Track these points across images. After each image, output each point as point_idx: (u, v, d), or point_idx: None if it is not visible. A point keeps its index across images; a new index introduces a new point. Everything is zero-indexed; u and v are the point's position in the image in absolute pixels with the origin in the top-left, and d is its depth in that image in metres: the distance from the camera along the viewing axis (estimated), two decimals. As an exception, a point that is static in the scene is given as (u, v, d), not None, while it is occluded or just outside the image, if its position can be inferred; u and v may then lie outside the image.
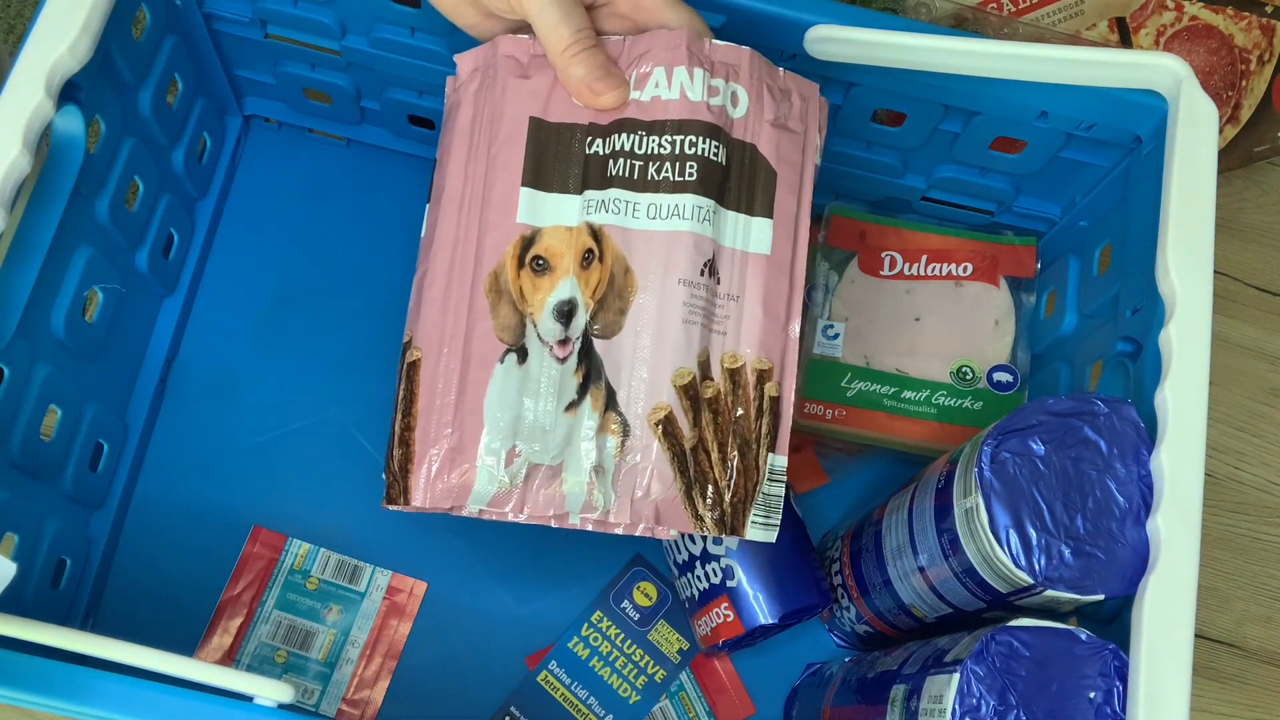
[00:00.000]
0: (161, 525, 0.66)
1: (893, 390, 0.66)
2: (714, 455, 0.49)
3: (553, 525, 0.49)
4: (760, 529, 0.50)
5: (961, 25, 0.72)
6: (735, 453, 0.50)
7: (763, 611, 0.60)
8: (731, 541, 0.60)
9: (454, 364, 0.50)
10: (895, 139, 0.64)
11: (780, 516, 0.51)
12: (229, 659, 0.64)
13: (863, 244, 0.69)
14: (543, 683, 0.65)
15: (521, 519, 0.49)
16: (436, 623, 0.66)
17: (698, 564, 0.61)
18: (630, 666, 0.66)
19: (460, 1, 0.51)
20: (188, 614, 0.65)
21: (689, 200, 0.49)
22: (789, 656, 0.67)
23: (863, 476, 0.71)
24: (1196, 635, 0.70)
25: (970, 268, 0.68)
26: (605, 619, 0.66)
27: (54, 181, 0.54)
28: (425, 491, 0.49)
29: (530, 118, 0.51)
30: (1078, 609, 0.50)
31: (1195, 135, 0.52)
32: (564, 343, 0.49)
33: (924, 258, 0.69)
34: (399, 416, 0.50)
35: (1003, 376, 0.66)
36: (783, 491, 0.51)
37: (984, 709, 0.45)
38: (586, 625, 0.66)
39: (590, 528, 0.49)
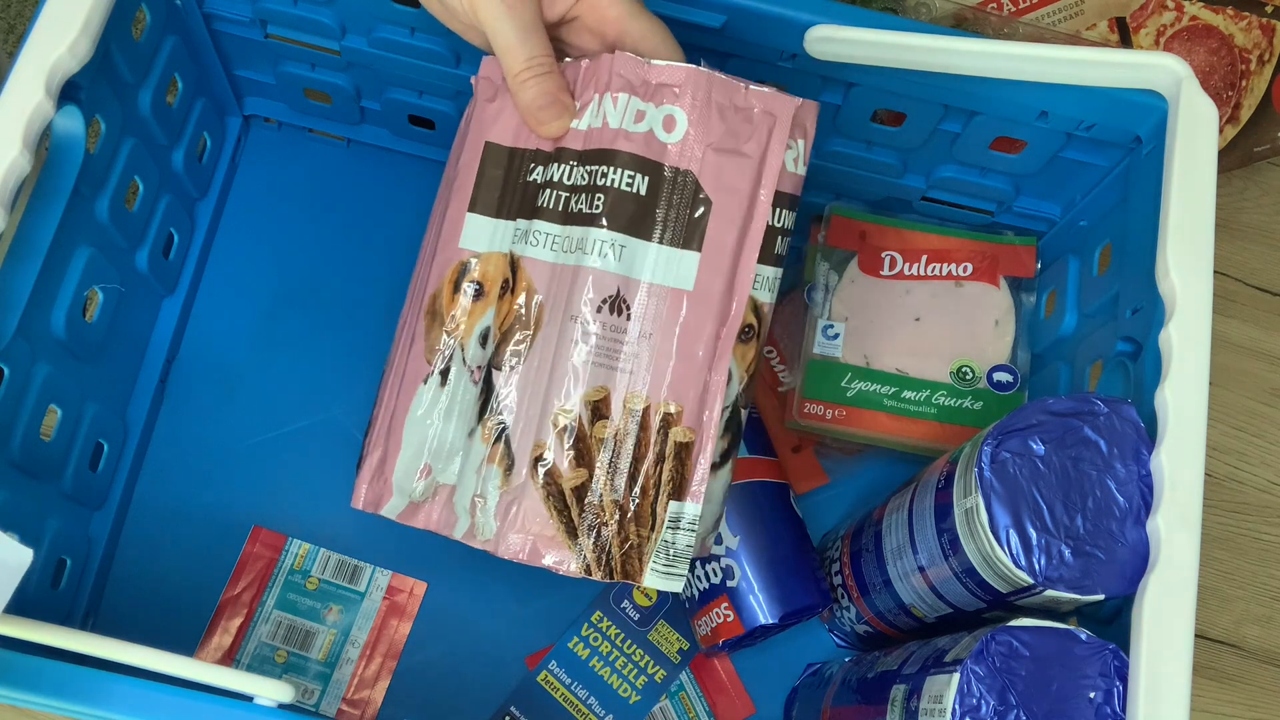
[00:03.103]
0: (161, 525, 0.66)
1: (893, 390, 0.66)
2: (606, 498, 0.47)
3: (460, 541, 0.50)
4: (660, 577, 0.48)
5: (961, 25, 0.72)
6: (631, 497, 0.48)
7: (763, 611, 0.60)
8: (732, 541, 0.60)
9: (397, 380, 0.52)
10: (895, 139, 0.64)
11: (687, 566, 0.49)
12: (229, 659, 0.64)
13: (863, 244, 0.69)
14: (543, 683, 0.65)
15: (430, 530, 0.51)
16: (436, 623, 0.66)
17: (698, 564, 0.61)
18: (630, 666, 0.66)
19: (444, 11, 0.51)
20: (188, 614, 0.65)
21: (594, 235, 0.48)
22: (789, 656, 0.67)
23: (863, 476, 0.71)
24: (1196, 635, 0.70)
25: (970, 268, 0.68)
26: (605, 619, 0.66)
27: (54, 181, 0.54)
28: (361, 495, 0.52)
29: (486, 142, 0.51)
30: (1078, 609, 0.50)
31: (1195, 135, 0.52)
32: (481, 368, 0.50)
33: (924, 258, 0.69)
34: (368, 423, 0.54)
35: (1003, 376, 0.66)
36: (692, 541, 0.48)
37: (984, 709, 0.45)
38: (586, 625, 0.66)
39: (484, 550, 0.50)
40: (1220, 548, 0.73)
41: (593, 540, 0.48)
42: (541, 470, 0.48)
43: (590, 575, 0.47)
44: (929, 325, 0.67)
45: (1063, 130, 0.60)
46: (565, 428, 0.48)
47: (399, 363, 0.52)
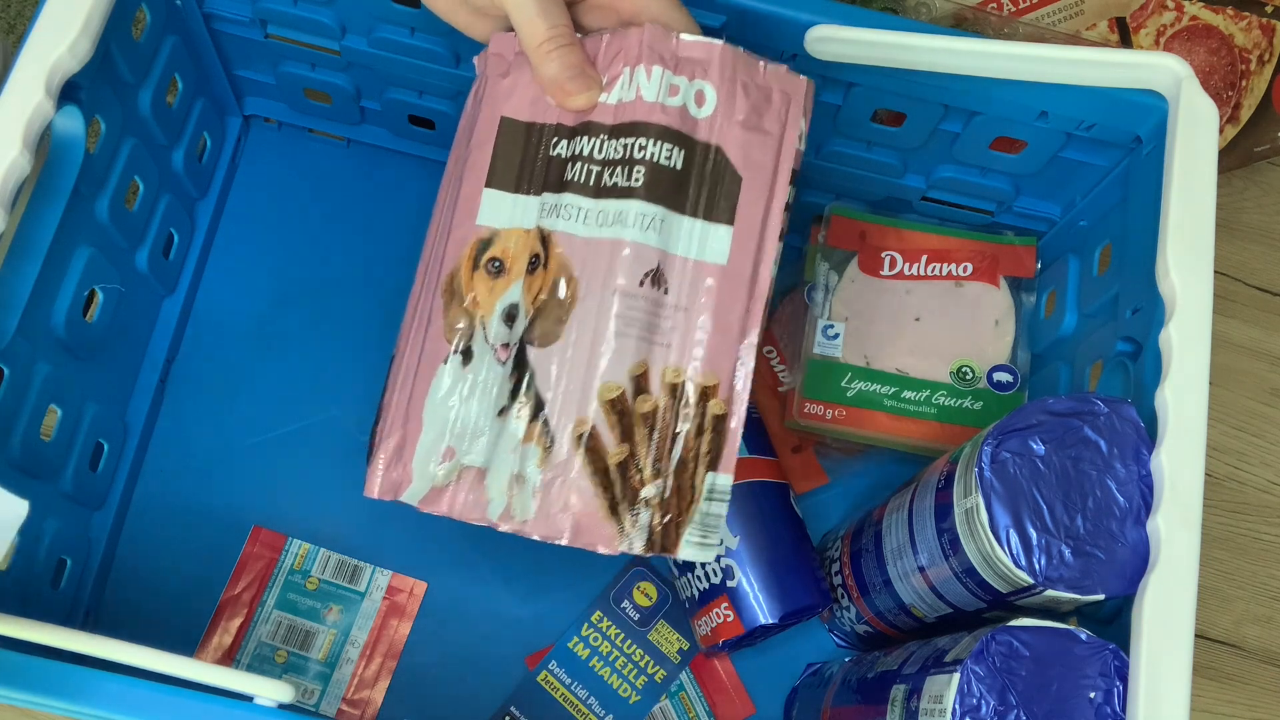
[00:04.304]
0: (161, 525, 0.66)
1: (893, 390, 0.66)
2: (646, 472, 0.48)
3: (480, 525, 0.49)
4: (696, 548, 0.48)
5: (961, 25, 0.72)
6: (670, 470, 0.48)
7: (763, 611, 0.60)
8: (731, 541, 0.60)
9: (412, 362, 0.50)
10: (895, 139, 0.64)
11: (719, 536, 0.49)
12: (229, 659, 0.64)
13: (863, 244, 0.69)
14: (543, 683, 0.65)
15: (453, 517, 0.49)
16: (436, 623, 0.66)
17: (697, 564, 0.61)
18: (630, 666, 0.66)
19: (452, 2, 0.51)
20: (188, 614, 0.65)
21: (634, 207, 0.48)
22: (789, 656, 0.67)
23: (863, 476, 0.71)
24: (1196, 635, 0.70)
25: (970, 268, 0.68)
26: (605, 619, 0.66)
27: (54, 181, 0.54)
28: (377, 484, 0.50)
29: (502, 117, 0.50)
30: (1078, 609, 0.50)
31: (1195, 135, 0.52)
32: (506, 347, 0.49)
33: (924, 258, 0.69)
34: (377, 411, 0.51)
35: (1003, 376, 0.66)
36: (724, 510, 0.49)
37: (984, 709, 0.45)
38: (586, 625, 0.66)
39: (519, 533, 0.49)
40: (1220, 548, 0.73)
41: (634, 515, 0.48)
42: (586, 446, 0.48)
43: (631, 550, 0.48)
44: (929, 325, 0.67)
45: (1063, 130, 0.60)
46: (609, 403, 0.48)
47: (414, 343, 0.51)
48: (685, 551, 0.48)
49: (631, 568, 0.67)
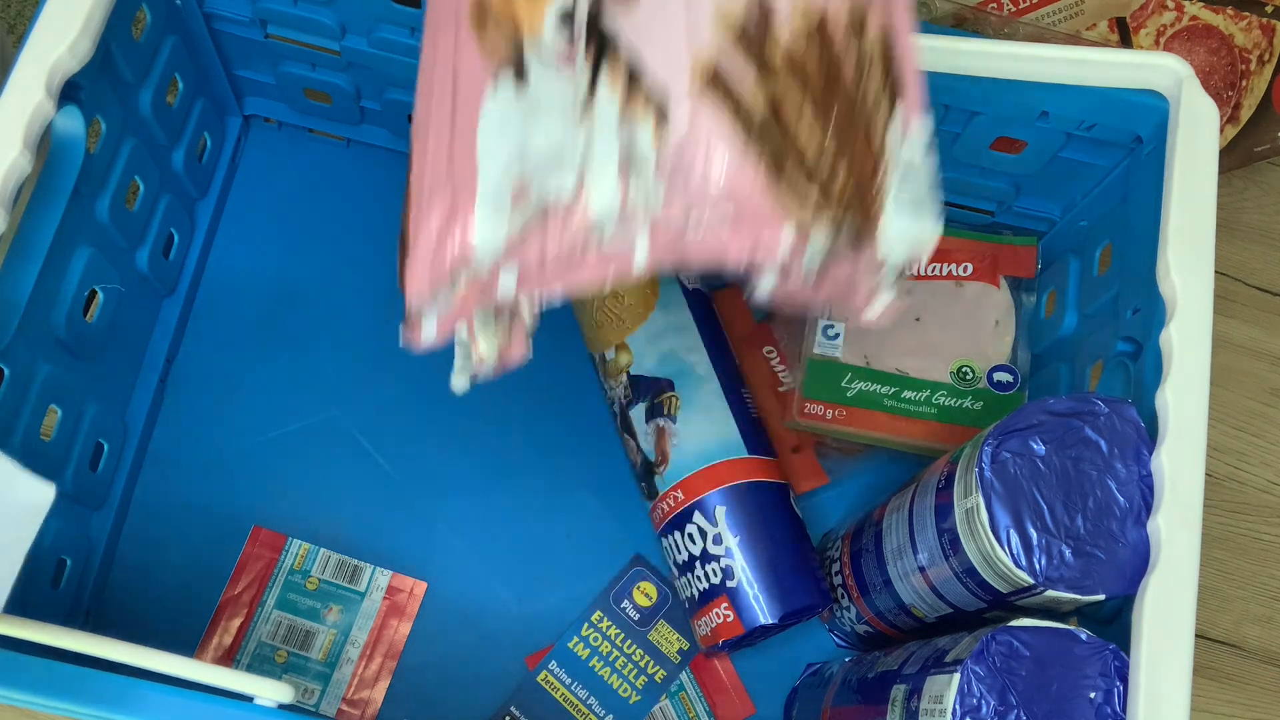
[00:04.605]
0: (161, 525, 0.66)
1: (893, 390, 0.66)
2: (804, 120, 0.35)
3: (583, 284, 0.38)
4: (909, 213, 0.36)
5: (961, 25, 0.72)
6: (835, 114, 0.36)
7: (763, 612, 0.60)
8: (731, 541, 0.60)
9: (444, 110, 0.39)
10: (895, 139, 0.64)
11: (931, 200, 0.36)
12: (229, 659, 0.64)
13: (863, 244, 0.69)
14: (543, 683, 0.65)
15: (544, 284, 0.38)
16: (436, 623, 0.66)
17: (698, 564, 0.61)
18: (630, 666, 0.66)
19: None
20: (188, 614, 0.65)
21: None
22: (789, 656, 0.67)
23: (863, 476, 0.71)
24: (1196, 635, 0.70)
25: (970, 268, 0.68)
26: (605, 619, 0.66)
27: (54, 181, 0.54)
28: (421, 280, 0.38)
29: None
30: (1078, 609, 0.50)
31: (1196, 135, 0.52)
32: (571, 44, 0.38)
33: (924, 257, 0.69)
34: (404, 198, 0.40)
35: (1003, 376, 0.66)
36: (924, 159, 0.37)
37: (984, 709, 0.45)
38: (586, 625, 0.66)
39: (638, 259, 0.37)
40: (1220, 548, 0.73)
41: (806, 178, 0.36)
42: (713, 86, 0.36)
43: (818, 235, 0.36)
44: (929, 325, 0.67)
45: (1063, 130, 0.60)
46: (732, 30, 0.37)
47: (441, 91, 0.39)
48: (899, 220, 0.36)
49: (631, 568, 0.67)
